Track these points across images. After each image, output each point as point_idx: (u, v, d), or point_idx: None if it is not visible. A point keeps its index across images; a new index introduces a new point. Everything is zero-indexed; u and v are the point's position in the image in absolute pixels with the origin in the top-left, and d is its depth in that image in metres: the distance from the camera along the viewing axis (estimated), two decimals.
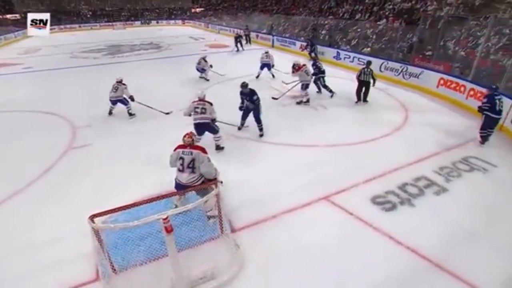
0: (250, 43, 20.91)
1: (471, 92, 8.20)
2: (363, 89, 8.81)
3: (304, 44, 15.88)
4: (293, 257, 3.77)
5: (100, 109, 8.42)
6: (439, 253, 3.73)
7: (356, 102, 9.02)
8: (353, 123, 7.75)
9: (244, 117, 7.15)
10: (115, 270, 3.48)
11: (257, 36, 21.56)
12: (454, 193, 4.92)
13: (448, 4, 12.08)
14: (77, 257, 3.70)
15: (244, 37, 20.45)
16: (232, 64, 14.70)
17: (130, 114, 8.21)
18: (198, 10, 42.57)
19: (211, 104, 6.11)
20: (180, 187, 4.05)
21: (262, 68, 11.76)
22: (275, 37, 20.08)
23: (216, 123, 6.24)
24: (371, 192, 4.90)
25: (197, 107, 5.98)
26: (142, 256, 3.61)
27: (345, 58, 13.84)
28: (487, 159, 5.79)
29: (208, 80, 11.73)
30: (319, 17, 19.20)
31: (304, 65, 8.89)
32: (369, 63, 8.87)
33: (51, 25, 37.06)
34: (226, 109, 7.12)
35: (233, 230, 4.13)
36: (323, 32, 17.47)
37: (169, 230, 2.95)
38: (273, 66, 11.87)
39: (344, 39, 15.64)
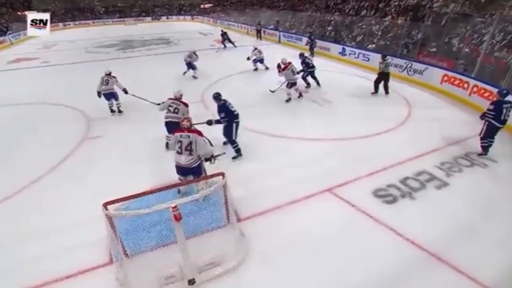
0: (261, 38, 21.02)
1: (475, 89, 8.24)
2: (382, 81, 9.14)
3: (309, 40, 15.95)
4: (296, 246, 3.91)
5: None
6: (439, 245, 3.83)
7: (373, 93, 9.32)
8: (357, 118, 7.85)
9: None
10: (127, 254, 3.68)
11: (264, 32, 21.59)
12: (454, 187, 5.02)
13: (454, 1, 12.03)
14: (91, 241, 3.90)
15: (258, 32, 21.04)
16: (235, 60, 14.77)
17: (120, 111, 8.18)
18: (207, 6, 42.70)
19: (186, 105, 5.94)
20: (180, 169, 4.47)
21: (256, 62, 12.40)
22: (281, 33, 20.09)
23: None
24: (373, 185, 5.02)
25: (171, 106, 5.85)
26: (152, 242, 3.78)
27: (350, 54, 13.89)
28: (488, 155, 5.87)
29: (196, 77, 11.79)
30: (325, 13, 19.18)
31: (289, 63, 8.83)
32: (384, 56, 9.26)
33: (66, 21, 37.36)
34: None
35: (239, 220, 4.27)
36: (329, 28, 17.48)
37: (178, 218, 3.10)
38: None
39: (350, 36, 15.65)
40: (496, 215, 4.41)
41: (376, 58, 11.80)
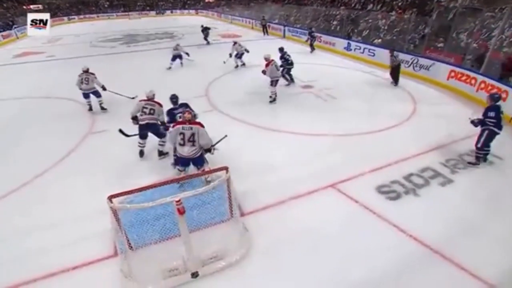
0: (268, 33, 20.90)
1: (482, 85, 8.13)
2: (394, 72, 9.64)
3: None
4: (298, 241, 3.92)
5: (117, 96, 8.50)
6: (442, 242, 3.81)
7: (393, 84, 9.84)
8: (361, 114, 7.81)
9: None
10: (131, 247, 3.72)
11: (268, 26, 21.44)
12: (459, 184, 4.99)
13: None
14: (96, 234, 3.96)
15: (264, 27, 20.81)
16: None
17: (102, 108, 8.03)
18: (211, 0, 42.43)
19: (160, 105, 5.67)
20: (182, 160, 4.59)
21: (239, 57, 12.15)
22: (286, 28, 19.94)
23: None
24: (376, 181, 5.01)
25: (146, 107, 5.54)
26: (156, 235, 3.82)
27: (355, 49, 13.75)
28: (493, 152, 5.78)
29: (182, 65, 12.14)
30: (331, 7, 18.99)
31: (272, 60, 8.33)
32: (392, 50, 9.66)
33: (70, 15, 37.29)
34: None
35: (242, 214, 4.29)
36: (335, 22, 17.31)
37: (181, 212, 3.12)
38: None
39: (356, 30, 15.49)
40: (501, 213, 4.38)
41: (381, 53, 11.75)
